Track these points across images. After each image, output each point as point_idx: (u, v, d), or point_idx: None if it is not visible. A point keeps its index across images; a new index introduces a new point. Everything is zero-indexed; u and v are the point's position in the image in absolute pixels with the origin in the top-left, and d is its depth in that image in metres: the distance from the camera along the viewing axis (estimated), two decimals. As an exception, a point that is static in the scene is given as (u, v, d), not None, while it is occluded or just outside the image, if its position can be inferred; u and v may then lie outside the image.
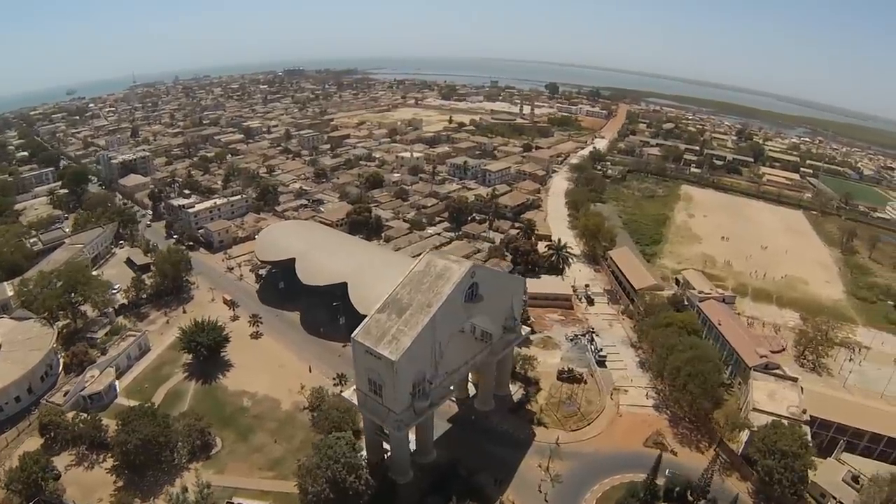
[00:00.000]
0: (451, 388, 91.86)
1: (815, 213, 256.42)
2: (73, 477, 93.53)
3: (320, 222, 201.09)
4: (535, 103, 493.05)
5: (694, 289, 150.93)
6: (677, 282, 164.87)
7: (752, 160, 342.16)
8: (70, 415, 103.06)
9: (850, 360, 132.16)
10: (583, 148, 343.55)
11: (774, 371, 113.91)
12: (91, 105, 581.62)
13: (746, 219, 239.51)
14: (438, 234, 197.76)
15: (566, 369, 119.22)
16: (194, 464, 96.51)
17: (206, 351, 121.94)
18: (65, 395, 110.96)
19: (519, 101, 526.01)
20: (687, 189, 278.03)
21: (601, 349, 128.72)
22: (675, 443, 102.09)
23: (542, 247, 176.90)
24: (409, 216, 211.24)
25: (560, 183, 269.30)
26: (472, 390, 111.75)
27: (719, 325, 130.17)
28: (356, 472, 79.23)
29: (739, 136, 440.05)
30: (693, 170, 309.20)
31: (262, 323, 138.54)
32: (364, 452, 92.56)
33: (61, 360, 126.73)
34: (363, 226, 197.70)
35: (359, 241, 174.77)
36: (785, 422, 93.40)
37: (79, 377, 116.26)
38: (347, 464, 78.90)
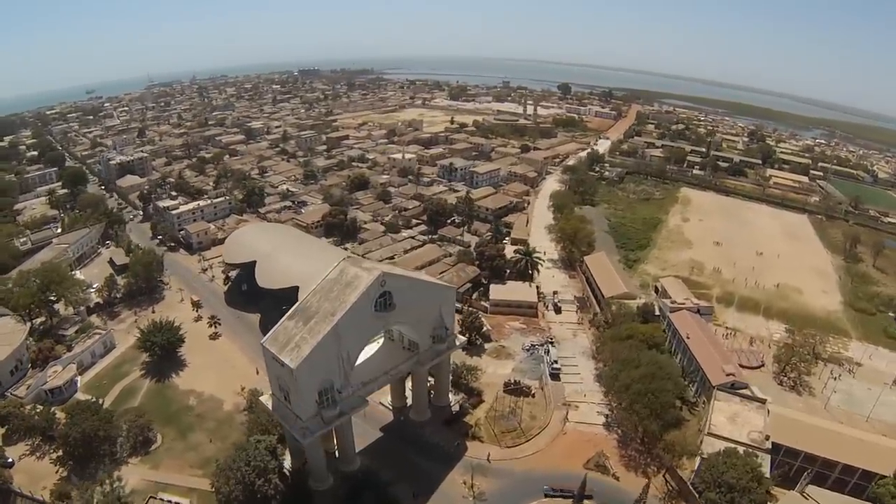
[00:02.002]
0: (366, 397, 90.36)
1: (820, 217, 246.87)
2: (25, 465, 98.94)
3: (296, 224, 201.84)
4: (543, 104, 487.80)
5: (669, 298, 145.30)
6: (656, 290, 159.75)
7: (759, 162, 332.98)
8: (28, 407, 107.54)
9: (834, 378, 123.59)
10: (585, 149, 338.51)
11: (741, 391, 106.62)
12: (106, 105, 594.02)
13: (745, 223, 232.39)
14: (413, 237, 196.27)
15: (513, 381, 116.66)
16: (133, 458, 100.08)
17: (160, 350, 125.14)
18: (27, 389, 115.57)
19: (531, 102, 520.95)
20: (686, 192, 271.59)
21: (556, 361, 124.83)
22: (620, 466, 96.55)
23: (514, 251, 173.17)
24: (387, 219, 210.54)
25: (552, 185, 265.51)
26: (411, 399, 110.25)
27: (687, 338, 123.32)
28: (265, 476, 79.41)
29: (751, 137, 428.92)
30: (696, 172, 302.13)
31: (220, 324, 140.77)
32: (288, 457, 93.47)
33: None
34: (338, 228, 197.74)
35: (324, 244, 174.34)
36: (741, 449, 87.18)
37: (42, 372, 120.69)
38: (257, 467, 79.28)
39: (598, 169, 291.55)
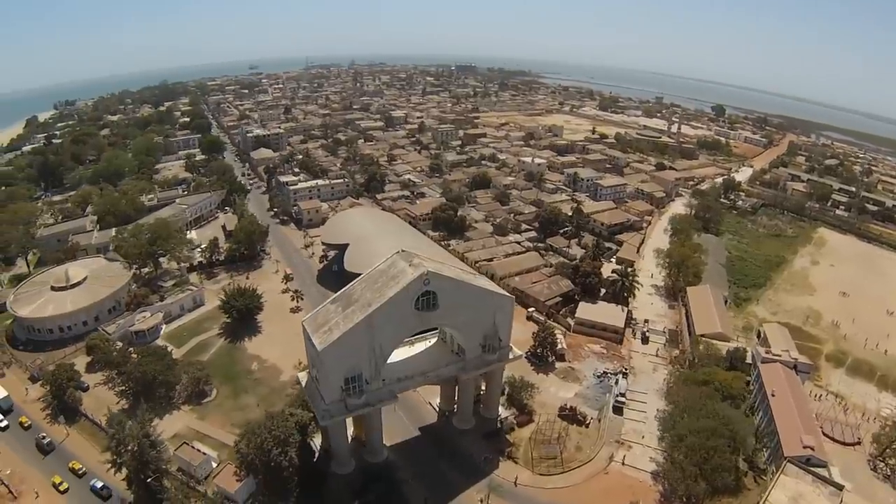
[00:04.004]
0: (397, 393, 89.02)
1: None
2: (97, 392, 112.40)
3: (406, 215, 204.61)
4: (692, 123, 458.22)
5: (768, 346, 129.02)
6: (759, 335, 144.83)
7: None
8: (112, 344, 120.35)
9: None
10: (724, 175, 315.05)
11: (816, 469, 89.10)
12: (264, 80, 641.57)
13: (882, 275, 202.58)
14: (519, 242, 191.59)
15: (569, 407, 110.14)
16: (186, 406, 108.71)
17: (237, 314, 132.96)
18: (116, 327, 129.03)
19: (677, 120, 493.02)
20: (823, 233, 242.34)
21: (623, 393, 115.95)
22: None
23: (612, 271, 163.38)
24: (497, 220, 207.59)
25: (679, 207, 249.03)
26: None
27: (772, 395, 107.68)
28: (283, 448, 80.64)
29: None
30: (839, 212, 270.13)
31: (302, 299, 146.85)
32: (319, 436, 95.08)
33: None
34: (446, 224, 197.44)
35: (421, 237, 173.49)
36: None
37: (131, 315, 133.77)
38: (277, 437, 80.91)
39: (731, 197, 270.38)
